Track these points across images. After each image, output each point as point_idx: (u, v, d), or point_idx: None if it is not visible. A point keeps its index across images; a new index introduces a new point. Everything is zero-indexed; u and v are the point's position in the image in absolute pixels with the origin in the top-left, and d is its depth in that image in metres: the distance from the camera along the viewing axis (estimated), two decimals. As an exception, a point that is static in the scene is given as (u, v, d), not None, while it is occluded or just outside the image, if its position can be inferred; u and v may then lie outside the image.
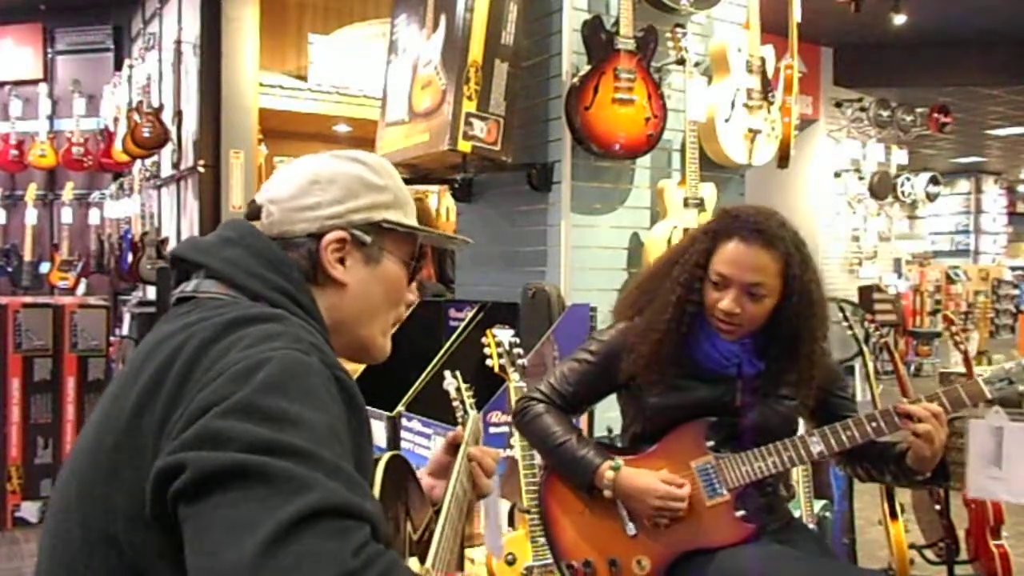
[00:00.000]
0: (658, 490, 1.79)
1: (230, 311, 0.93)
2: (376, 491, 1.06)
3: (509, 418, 2.31)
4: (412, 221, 1.12)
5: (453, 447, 1.39)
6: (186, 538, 0.75)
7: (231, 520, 0.72)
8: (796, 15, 3.50)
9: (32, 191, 7.39)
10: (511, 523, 2.52)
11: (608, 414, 2.11)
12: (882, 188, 9.35)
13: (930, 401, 1.77)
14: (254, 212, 1.07)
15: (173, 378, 0.85)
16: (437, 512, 1.26)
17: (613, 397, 2.06)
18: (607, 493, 1.84)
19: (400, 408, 2.83)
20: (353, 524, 0.74)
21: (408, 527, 1.19)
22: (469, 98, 2.91)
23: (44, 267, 7.43)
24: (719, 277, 1.79)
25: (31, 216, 7.42)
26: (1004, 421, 2.24)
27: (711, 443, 1.84)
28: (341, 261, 1.05)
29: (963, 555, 3.15)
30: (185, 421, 0.80)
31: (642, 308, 1.92)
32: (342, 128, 7.29)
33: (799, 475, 2.81)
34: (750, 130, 3.31)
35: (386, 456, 1.15)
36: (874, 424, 1.78)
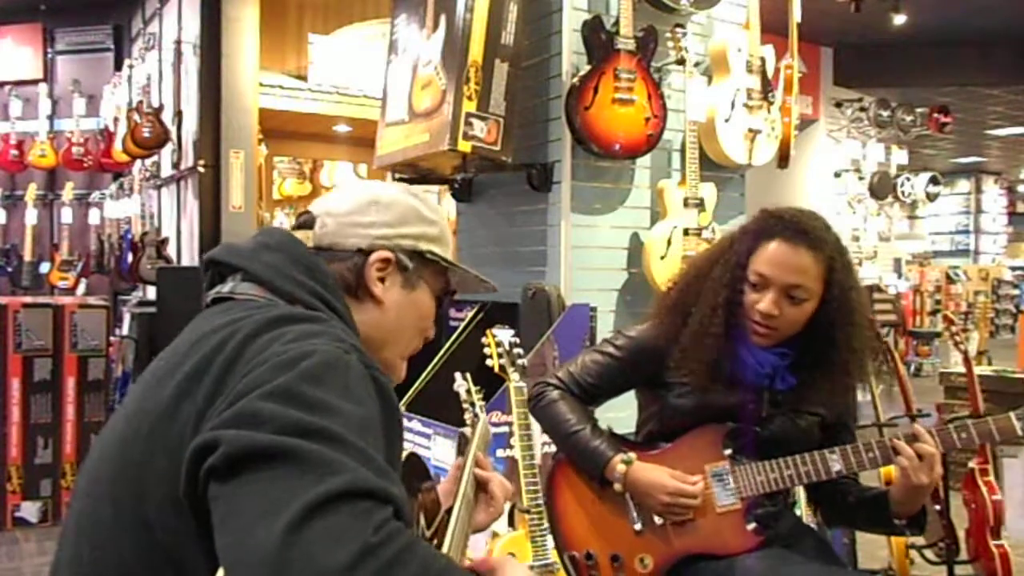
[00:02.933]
0: (668, 486, 1.77)
1: (272, 310, 0.96)
2: None
3: (509, 418, 2.31)
4: (451, 258, 1.19)
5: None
6: (215, 516, 0.77)
7: (261, 500, 0.74)
8: (796, 15, 3.51)
9: (32, 191, 7.39)
10: (511, 523, 2.52)
11: (608, 414, 2.10)
12: (882, 188, 9.34)
13: (958, 432, 1.71)
14: (308, 221, 1.13)
15: (216, 369, 0.88)
16: (447, 512, 1.26)
17: (617, 397, 2.05)
18: (617, 486, 1.82)
19: (400, 408, 2.84)
20: (377, 505, 0.76)
21: (422, 522, 1.19)
22: (469, 98, 2.91)
23: (44, 267, 7.42)
24: (758, 277, 1.73)
25: (31, 216, 7.41)
26: (1039, 458, 2.18)
27: (728, 450, 1.81)
28: (382, 280, 1.11)
29: (963, 555, 3.14)
30: (227, 405, 0.83)
31: (684, 310, 1.85)
32: (342, 128, 7.29)
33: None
34: (750, 130, 3.31)
35: (403, 454, 1.16)
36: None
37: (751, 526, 1.79)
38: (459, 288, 1.27)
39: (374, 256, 1.10)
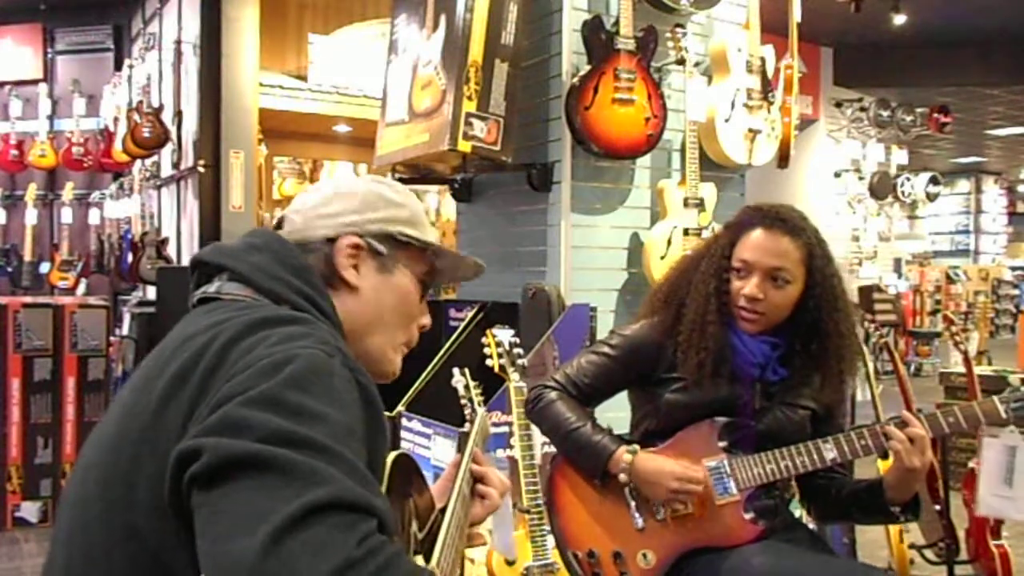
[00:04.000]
0: (675, 472, 1.80)
1: (257, 311, 0.95)
2: (382, 489, 1.07)
3: (509, 418, 2.31)
4: (430, 239, 1.16)
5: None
6: (197, 524, 0.76)
7: (243, 509, 0.73)
8: (796, 15, 3.51)
9: (32, 191, 7.39)
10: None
11: (608, 414, 2.10)
12: (882, 188, 9.35)
13: (945, 417, 1.78)
14: (280, 224, 1.13)
15: (201, 372, 0.87)
16: (442, 511, 1.26)
17: (614, 397, 2.05)
18: (623, 477, 1.84)
19: (400, 408, 2.84)
20: (361, 517, 0.75)
21: (413, 525, 1.19)
22: (469, 98, 2.91)
23: (44, 267, 7.42)
24: (742, 264, 1.82)
25: (31, 216, 7.41)
26: (1019, 441, 2.23)
27: (724, 443, 1.84)
28: (355, 267, 1.09)
29: (963, 555, 3.14)
30: (210, 410, 0.82)
31: (676, 304, 1.91)
32: (342, 128, 7.30)
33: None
34: (750, 130, 3.31)
35: (393, 455, 1.15)
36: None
37: (749, 515, 1.82)
38: (449, 273, 1.24)
39: (341, 242, 1.08)
